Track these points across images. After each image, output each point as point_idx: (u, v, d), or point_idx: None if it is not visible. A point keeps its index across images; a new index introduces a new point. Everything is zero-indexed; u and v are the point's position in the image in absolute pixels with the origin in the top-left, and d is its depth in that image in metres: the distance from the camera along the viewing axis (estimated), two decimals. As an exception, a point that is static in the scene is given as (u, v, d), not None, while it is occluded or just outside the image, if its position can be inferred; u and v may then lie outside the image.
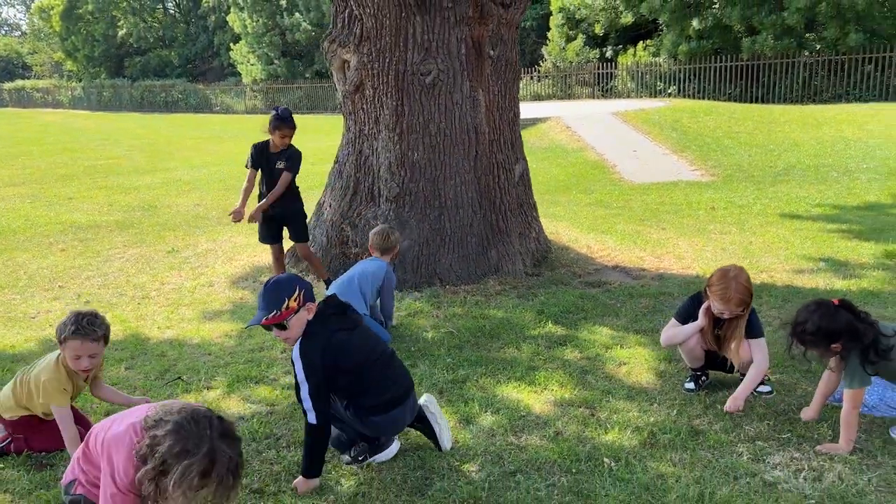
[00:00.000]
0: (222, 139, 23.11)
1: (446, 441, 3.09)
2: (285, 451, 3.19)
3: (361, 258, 5.97)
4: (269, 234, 5.84)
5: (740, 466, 2.90)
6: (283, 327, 2.77)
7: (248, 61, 40.33)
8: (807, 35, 23.02)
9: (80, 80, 48.61)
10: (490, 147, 6.17)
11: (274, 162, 5.53)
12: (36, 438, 3.20)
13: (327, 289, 5.45)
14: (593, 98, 27.02)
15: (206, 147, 20.52)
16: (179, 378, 4.10)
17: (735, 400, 3.36)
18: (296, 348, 2.80)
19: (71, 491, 2.44)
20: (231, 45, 41.86)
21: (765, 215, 8.44)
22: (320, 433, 2.80)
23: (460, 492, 2.79)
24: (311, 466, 2.85)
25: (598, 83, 27.96)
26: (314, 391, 2.75)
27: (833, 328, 2.96)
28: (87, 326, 2.95)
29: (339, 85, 6.51)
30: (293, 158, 5.59)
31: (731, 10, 23.19)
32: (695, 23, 24.28)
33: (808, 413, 3.24)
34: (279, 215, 5.73)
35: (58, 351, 3.13)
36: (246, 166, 5.75)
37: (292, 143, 5.72)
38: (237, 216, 5.73)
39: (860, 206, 8.74)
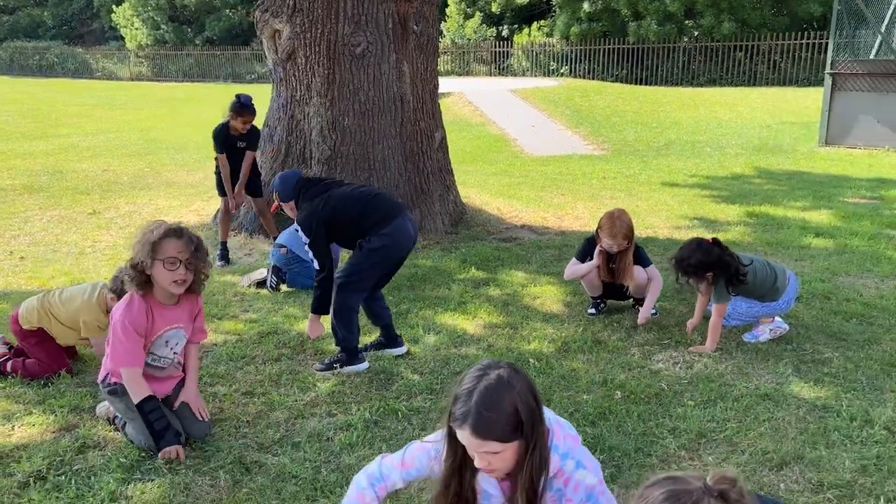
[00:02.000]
0: (112, 106, 22.31)
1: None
2: (262, 367, 3.74)
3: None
4: (224, 187, 6.08)
5: (633, 362, 3.73)
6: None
7: (131, 25, 38.38)
8: (686, 22, 24.83)
9: (-60, 39, 44.77)
10: (414, 115, 6.77)
11: (235, 141, 5.87)
12: (38, 351, 3.57)
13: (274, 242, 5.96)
14: (490, 76, 27.93)
15: (96, 114, 19.83)
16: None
17: (644, 312, 4.22)
18: (297, 226, 3.61)
19: (107, 382, 2.91)
20: (113, 6, 39.61)
21: (649, 184, 9.50)
22: (324, 277, 3.56)
23: (418, 386, 3.46)
24: (319, 306, 3.64)
25: (495, 61, 28.91)
26: (314, 245, 3.51)
27: (707, 261, 3.82)
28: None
29: (270, 53, 6.89)
30: (253, 137, 5.91)
31: (619, -6, 24.67)
32: (585, 6, 25.62)
33: (692, 323, 4.11)
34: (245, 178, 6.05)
35: (90, 286, 3.55)
36: (216, 154, 5.96)
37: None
38: (235, 207, 6.05)
39: (728, 176, 9.99)
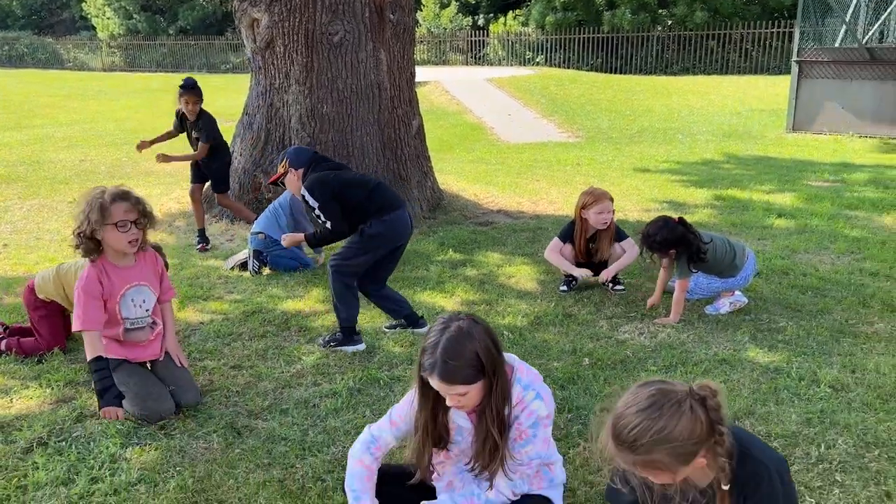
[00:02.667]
0: (85, 97, 22.11)
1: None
2: (249, 343, 3.91)
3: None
4: (193, 174, 6.25)
5: (601, 333, 3.95)
6: (282, 184, 3.86)
7: (103, 14, 37.85)
8: (660, 11, 25.15)
9: None
10: (391, 102, 6.93)
11: (190, 131, 5.99)
12: (40, 328, 3.70)
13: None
14: (466, 65, 28.06)
15: (69, 105, 19.67)
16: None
17: (608, 272, 4.52)
18: (304, 190, 3.72)
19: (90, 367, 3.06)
20: (83, -5, 39.10)
21: (622, 170, 9.74)
22: (336, 234, 3.76)
23: (399, 357, 3.65)
24: (315, 242, 4.04)
25: (471, 50, 29.04)
26: (323, 207, 3.68)
27: (671, 238, 4.05)
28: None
29: (249, 42, 7.00)
30: (206, 128, 5.98)
31: (594, -16, 24.91)
32: (560, -5, 25.85)
33: (652, 300, 4.33)
34: (203, 168, 6.17)
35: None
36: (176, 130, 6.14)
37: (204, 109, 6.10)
38: (143, 145, 6.11)
39: (698, 161, 10.27)
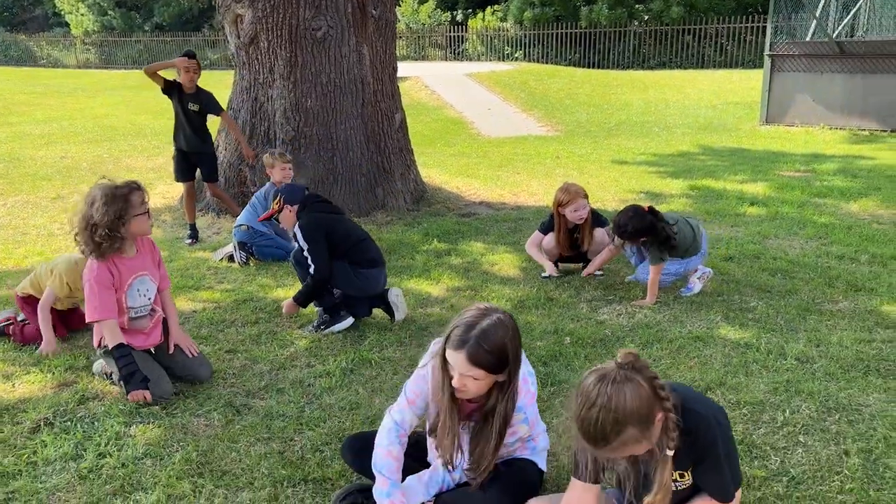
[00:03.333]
0: (61, 94, 21.94)
1: (400, 315, 4.07)
2: (242, 329, 4.03)
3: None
4: (182, 172, 6.30)
5: (581, 314, 4.13)
6: (277, 220, 4.00)
7: (77, 11, 37.45)
8: (636, 6, 25.44)
9: None
10: (374, 96, 7.06)
11: (186, 102, 6.00)
12: (33, 319, 3.80)
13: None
14: (445, 60, 28.17)
15: (46, 102, 19.52)
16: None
17: (591, 267, 4.76)
18: (296, 227, 3.87)
19: (102, 345, 3.17)
20: (57, -8, 38.64)
21: (600, 162, 9.95)
22: (319, 281, 3.84)
23: (389, 339, 3.81)
24: (304, 300, 3.98)
25: (450, 46, 29.16)
26: (312, 250, 3.79)
27: (641, 227, 4.23)
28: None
29: (232, 38, 7.08)
30: (211, 100, 6.04)
31: (571, -20, 25.14)
32: (538, -9, 26.07)
33: (587, 271, 4.69)
34: (194, 155, 6.20)
35: (72, 254, 3.78)
36: (164, 92, 6.10)
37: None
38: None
39: (674, 153, 10.51)
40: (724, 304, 4.22)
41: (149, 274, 3.30)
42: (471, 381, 2.10)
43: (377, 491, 2.22)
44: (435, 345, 2.28)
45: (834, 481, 2.47)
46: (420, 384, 2.30)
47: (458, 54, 29.04)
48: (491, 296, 4.49)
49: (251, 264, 5.36)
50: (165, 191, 8.25)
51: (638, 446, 1.87)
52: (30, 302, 3.87)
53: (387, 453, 2.25)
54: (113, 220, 3.04)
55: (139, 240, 3.28)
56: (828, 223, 6.02)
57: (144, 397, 3.07)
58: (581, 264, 4.94)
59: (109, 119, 16.06)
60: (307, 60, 6.64)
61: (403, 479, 2.28)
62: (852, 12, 13.27)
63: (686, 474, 2.02)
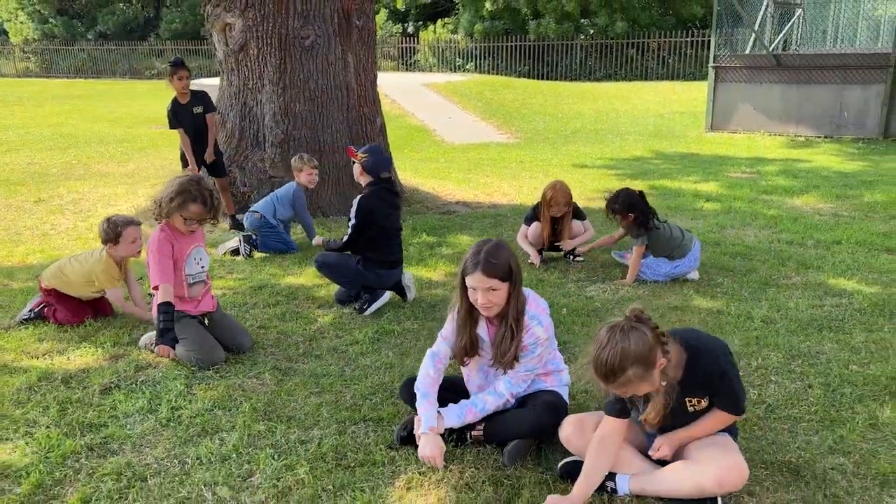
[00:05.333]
0: (6, 103, 21.61)
1: (410, 295, 4.53)
2: (265, 309, 4.39)
3: (251, 196, 7.06)
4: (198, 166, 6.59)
5: (571, 292, 4.64)
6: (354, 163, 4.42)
7: (16, 18, 36.64)
8: (582, 21, 26.46)
9: None
10: (358, 101, 7.47)
11: (190, 108, 6.35)
12: (60, 309, 4.09)
13: (232, 224, 6.55)
14: (397, 70, 28.67)
15: (-11, 111, 19.27)
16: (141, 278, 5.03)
17: (569, 244, 5.28)
18: (355, 200, 4.27)
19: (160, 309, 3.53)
20: (-7, -1, 37.68)
21: (562, 166, 10.55)
22: (346, 245, 4.35)
23: (405, 314, 4.23)
24: (330, 248, 4.58)
25: (402, 57, 29.70)
26: (354, 226, 4.28)
27: (630, 203, 4.78)
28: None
29: (221, 46, 7.40)
30: (206, 100, 6.42)
31: (520, -6, 26.01)
32: (487, 4, 26.83)
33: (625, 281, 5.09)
34: (204, 151, 6.54)
35: (99, 249, 4.09)
36: (171, 128, 6.47)
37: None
38: (198, 170, 6.53)
39: (630, 158, 11.20)
40: (694, 282, 4.78)
41: (203, 246, 3.69)
42: (491, 293, 2.60)
43: (418, 405, 2.72)
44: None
45: (802, 406, 3.01)
46: (450, 325, 2.83)
47: (410, 65, 29.58)
48: (487, 279, 4.96)
49: (254, 257, 5.69)
50: (149, 193, 8.45)
51: (642, 385, 2.27)
52: (52, 293, 4.14)
53: (424, 374, 2.79)
54: (167, 210, 3.54)
55: None
56: (776, 215, 6.70)
57: (169, 353, 3.48)
58: (563, 254, 5.45)
59: (66, 127, 15.97)
60: (296, 67, 7.01)
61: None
62: (786, 28, 14.33)
63: (703, 400, 2.45)
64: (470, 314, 2.73)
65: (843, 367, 3.36)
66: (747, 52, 13.52)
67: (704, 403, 2.46)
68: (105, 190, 8.77)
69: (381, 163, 4.35)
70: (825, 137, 12.43)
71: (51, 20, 36.39)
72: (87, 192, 8.70)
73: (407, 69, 28.97)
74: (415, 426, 2.70)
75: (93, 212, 7.56)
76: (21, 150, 12.26)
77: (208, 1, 7.31)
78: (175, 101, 6.40)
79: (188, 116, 6.41)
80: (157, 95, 23.30)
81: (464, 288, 2.68)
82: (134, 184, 9.19)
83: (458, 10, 29.14)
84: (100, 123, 16.57)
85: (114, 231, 4.00)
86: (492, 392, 2.77)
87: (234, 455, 2.68)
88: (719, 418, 2.44)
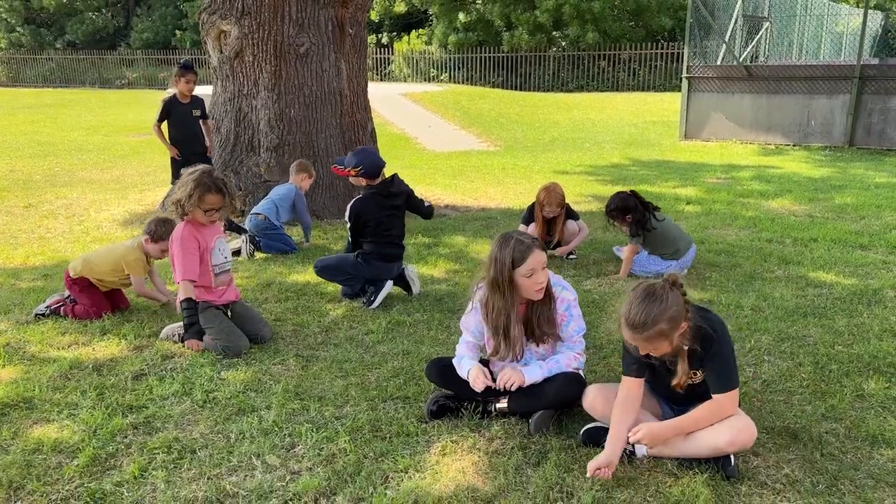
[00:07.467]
0: (-25, 113, 21.36)
1: (416, 289, 4.73)
2: (277, 304, 4.54)
3: (246, 200, 7.19)
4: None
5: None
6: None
7: (-18, 27, 36.24)
8: (554, 33, 27.00)
9: None
10: (351, 108, 7.66)
11: (188, 110, 6.49)
12: (81, 303, 4.21)
13: (227, 225, 6.66)
14: (372, 81, 28.83)
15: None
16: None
17: (566, 248, 5.51)
18: (349, 204, 4.53)
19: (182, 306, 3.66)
20: (-41, 8, 37.15)
21: (543, 172, 10.83)
22: (351, 247, 4.63)
23: (414, 306, 4.42)
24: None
25: (377, 67, 29.93)
26: (349, 228, 4.52)
27: (623, 206, 5.03)
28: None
29: (215, 52, 7.53)
30: (204, 106, 6.58)
31: (493, 6, 26.47)
32: (461, 16, 27.26)
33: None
34: (194, 158, 6.64)
35: (131, 241, 4.23)
36: (160, 120, 6.62)
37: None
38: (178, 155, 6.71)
39: (608, 165, 11.54)
40: (685, 277, 5.05)
41: (224, 237, 3.85)
42: (543, 273, 2.86)
43: (464, 365, 2.96)
44: (479, 290, 2.95)
45: (795, 381, 3.27)
46: (471, 318, 3.02)
47: (385, 75, 29.82)
48: (487, 275, 5.18)
49: (257, 257, 5.83)
50: (139, 198, 8.54)
51: (663, 343, 2.53)
52: (79, 283, 4.26)
53: (465, 346, 3.02)
54: (187, 205, 3.72)
55: None
56: (755, 216, 7.03)
57: (197, 346, 3.64)
58: (557, 252, 5.70)
59: (41, 135, 15.89)
60: (290, 74, 7.18)
61: None
62: (755, 40, 14.86)
63: (699, 373, 2.70)
64: (509, 315, 2.89)
65: (829, 348, 3.64)
66: (718, 62, 14.00)
67: (699, 377, 2.68)
68: (94, 195, 8.82)
69: (375, 164, 4.59)
70: (794, 145, 12.93)
71: (18, 29, 35.99)
72: (76, 197, 8.74)
73: (381, 79, 29.19)
74: (466, 374, 2.91)
75: (86, 216, 7.63)
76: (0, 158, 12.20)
77: (204, 9, 7.46)
78: (175, 99, 6.53)
79: (187, 116, 6.55)
80: (130, 104, 23.23)
81: (510, 285, 2.84)
82: (122, 189, 9.24)
83: (432, 21, 29.50)
84: (75, 132, 16.48)
85: (165, 232, 4.13)
86: (559, 356, 2.98)
87: (275, 429, 2.84)
88: (709, 409, 2.60)
